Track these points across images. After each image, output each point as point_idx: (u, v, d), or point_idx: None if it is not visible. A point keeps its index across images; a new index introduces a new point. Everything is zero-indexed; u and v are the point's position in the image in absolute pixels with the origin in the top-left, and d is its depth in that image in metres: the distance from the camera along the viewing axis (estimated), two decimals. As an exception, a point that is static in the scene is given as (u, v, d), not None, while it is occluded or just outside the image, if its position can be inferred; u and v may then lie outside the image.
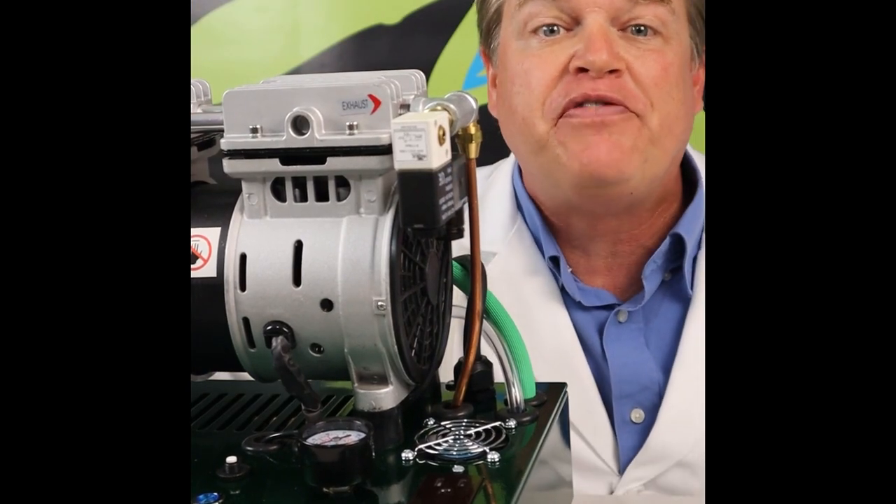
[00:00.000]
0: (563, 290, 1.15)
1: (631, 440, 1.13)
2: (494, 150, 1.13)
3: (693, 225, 1.14)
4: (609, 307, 1.15)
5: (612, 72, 1.05)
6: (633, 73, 1.06)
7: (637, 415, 1.13)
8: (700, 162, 1.19)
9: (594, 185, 1.08)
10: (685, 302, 1.14)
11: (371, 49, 2.04)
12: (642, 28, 1.06)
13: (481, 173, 1.25)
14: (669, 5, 1.06)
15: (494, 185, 1.22)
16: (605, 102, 1.05)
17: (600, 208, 1.12)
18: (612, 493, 1.12)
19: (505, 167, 1.23)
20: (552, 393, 0.87)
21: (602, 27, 1.05)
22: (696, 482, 1.11)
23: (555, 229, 1.17)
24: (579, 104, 1.05)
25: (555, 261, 1.15)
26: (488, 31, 1.14)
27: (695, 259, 1.15)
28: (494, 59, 1.14)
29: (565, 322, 1.15)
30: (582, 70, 1.05)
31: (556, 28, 1.07)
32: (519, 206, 1.20)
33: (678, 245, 1.13)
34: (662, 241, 1.14)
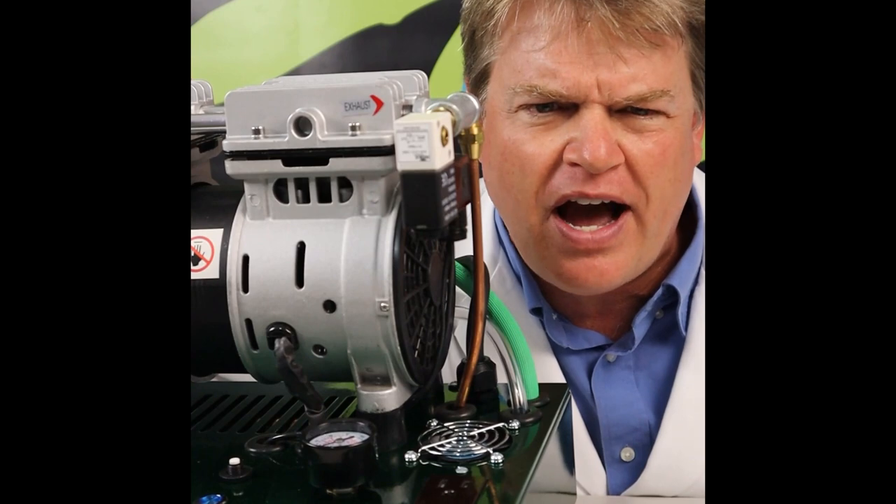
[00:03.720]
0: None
1: (621, 478, 1.12)
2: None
3: (687, 275, 1.11)
4: (599, 348, 1.13)
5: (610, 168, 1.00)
6: (630, 161, 1.01)
7: (627, 454, 1.12)
8: (700, 185, 1.15)
9: (577, 291, 1.07)
10: (679, 343, 1.12)
11: (371, 49, 2.04)
12: (642, 108, 1.01)
13: None
14: (668, 95, 1.00)
15: None
16: (601, 201, 1.01)
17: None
18: None
19: (489, 200, 1.17)
20: (555, 394, 0.87)
21: (600, 121, 0.99)
22: (694, 501, 1.10)
23: (537, 276, 1.13)
24: (569, 207, 1.02)
25: (537, 311, 1.13)
26: (477, 83, 1.08)
27: (690, 297, 1.12)
28: (482, 108, 1.10)
29: (552, 367, 1.12)
30: (577, 164, 1.00)
31: (549, 104, 1.01)
32: (501, 243, 1.17)
33: (670, 293, 1.11)
34: (656, 289, 1.11)
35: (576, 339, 1.12)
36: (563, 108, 1.01)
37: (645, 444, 1.11)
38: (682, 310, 1.11)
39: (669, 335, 1.12)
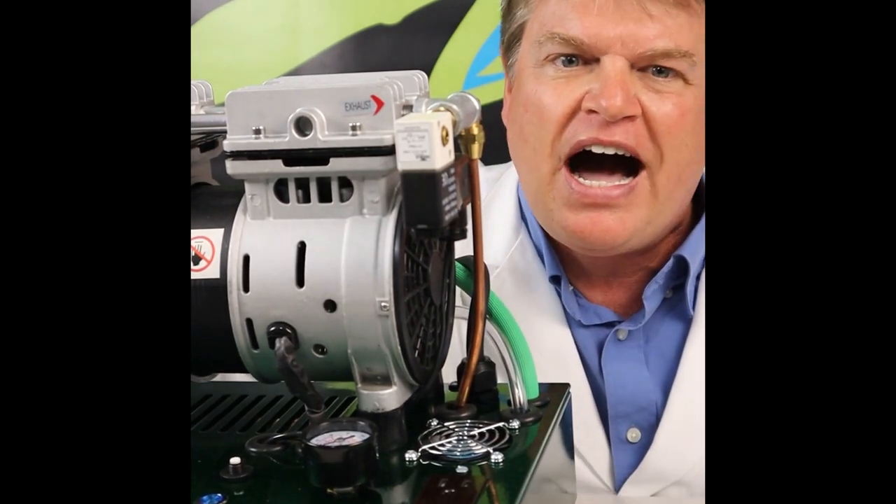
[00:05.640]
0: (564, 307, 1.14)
1: (627, 459, 1.13)
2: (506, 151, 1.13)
3: (698, 246, 1.12)
4: (609, 325, 1.14)
5: (626, 117, 1.02)
6: (647, 117, 1.02)
7: (633, 434, 1.12)
8: None
9: (585, 249, 1.08)
10: (686, 322, 1.13)
11: (371, 49, 2.04)
12: (664, 69, 1.02)
13: (490, 174, 1.24)
14: (691, 58, 1.02)
15: (500, 194, 1.20)
16: (615, 152, 1.02)
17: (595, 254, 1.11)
18: None
19: (511, 176, 1.21)
20: (555, 393, 0.87)
21: (620, 71, 1.01)
22: (694, 500, 1.11)
23: (556, 245, 1.15)
24: (581, 159, 1.03)
25: (556, 279, 1.14)
26: (509, 45, 1.11)
27: (698, 277, 1.13)
28: (511, 73, 1.12)
29: (566, 339, 1.13)
30: (594, 111, 1.02)
31: (574, 59, 1.03)
32: (523, 217, 1.19)
33: (681, 265, 1.12)
34: (665, 261, 1.12)
35: (587, 314, 1.13)
36: (587, 62, 1.03)
37: (651, 423, 1.12)
38: (689, 288, 1.11)
39: (678, 315, 1.13)
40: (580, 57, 1.03)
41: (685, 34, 1.02)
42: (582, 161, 1.04)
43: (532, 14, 1.07)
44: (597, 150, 1.03)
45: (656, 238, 1.09)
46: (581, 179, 1.04)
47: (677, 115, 1.03)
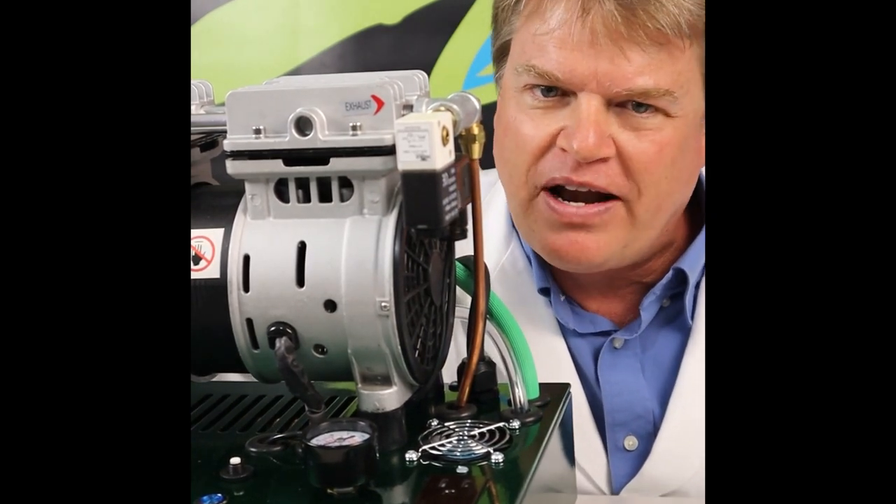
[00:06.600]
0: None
1: (624, 467, 1.12)
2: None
3: (697, 259, 1.12)
4: (605, 333, 1.13)
5: (599, 159, 1.00)
6: (623, 156, 1.01)
7: (630, 442, 1.12)
8: None
9: (563, 267, 1.08)
10: (685, 331, 1.12)
11: (371, 49, 2.04)
12: (643, 104, 1.01)
13: (487, 178, 1.24)
14: (671, 95, 1.00)
15: (493, 202, 1.20)
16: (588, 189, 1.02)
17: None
18: None
19: (498, 193, 1.20)
20: (556, 393, 0.87)
21: (594, 111, 0.99)
22: (694, 501, 1.11)
23: None
24: (560, 187, 1.03)
25: (545, 291, 1.13)
26: (497, 57, 1.10)
27: (697, 286, 1.12)
28: (498, 86, 1.11)
29: (560, 348, 1.13)
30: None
31: (553, 88, 1.02)
32: (514, 226, 1.18)
33: (680, 277, 1.12)
34: (663, 275, 1.11)
35: (582, 322, 1.13)
36: (565, 94, 1.02)
37: (648, 432, 1.12)
38: (688, 298, 1.11)
39: (676, 324, 1.13)
40: (558, 88, 1.02)
41: (665, 71, 1.00)
42: (557, 186, 1.04)
43: (516, 34, 1.06)
44: (569, 187, 1.02)
45: (637, 259, 1.09)
46: (560, 199, 1.04)
47: (654, 151, 1.01)
